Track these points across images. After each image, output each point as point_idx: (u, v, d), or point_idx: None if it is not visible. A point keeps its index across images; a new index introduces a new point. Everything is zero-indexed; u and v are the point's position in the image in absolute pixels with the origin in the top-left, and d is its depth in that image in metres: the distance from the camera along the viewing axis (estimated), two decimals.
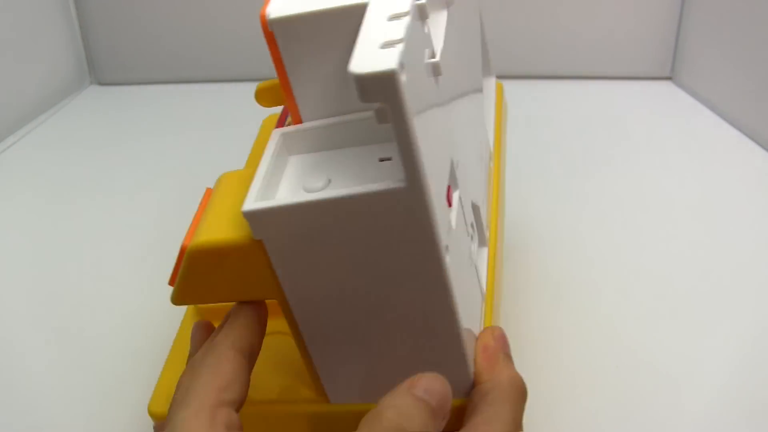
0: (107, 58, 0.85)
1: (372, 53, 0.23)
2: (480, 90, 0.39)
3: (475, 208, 0.33)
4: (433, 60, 0.27)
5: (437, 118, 0.27)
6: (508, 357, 0.30)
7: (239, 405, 0.26)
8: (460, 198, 0.29)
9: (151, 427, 0.34)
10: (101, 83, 0.87)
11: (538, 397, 0.41)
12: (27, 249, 0.59)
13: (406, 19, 0.24)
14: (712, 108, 0.70)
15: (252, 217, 0.26)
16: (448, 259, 0.26)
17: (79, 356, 0.47)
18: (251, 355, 0.28)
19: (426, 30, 0.27)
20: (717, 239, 0.52)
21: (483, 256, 0.35)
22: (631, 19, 0.74)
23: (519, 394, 0.28)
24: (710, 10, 0.70)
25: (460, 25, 0.34)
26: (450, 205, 0.28)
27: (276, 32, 0.28)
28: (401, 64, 0.22)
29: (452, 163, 0.29)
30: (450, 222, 0.27)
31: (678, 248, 0.51)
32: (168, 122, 0.77)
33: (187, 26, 0.81)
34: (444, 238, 0.26)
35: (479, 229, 0.34)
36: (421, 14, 0.26)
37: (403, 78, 0.22)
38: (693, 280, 0.49)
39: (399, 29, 0.24)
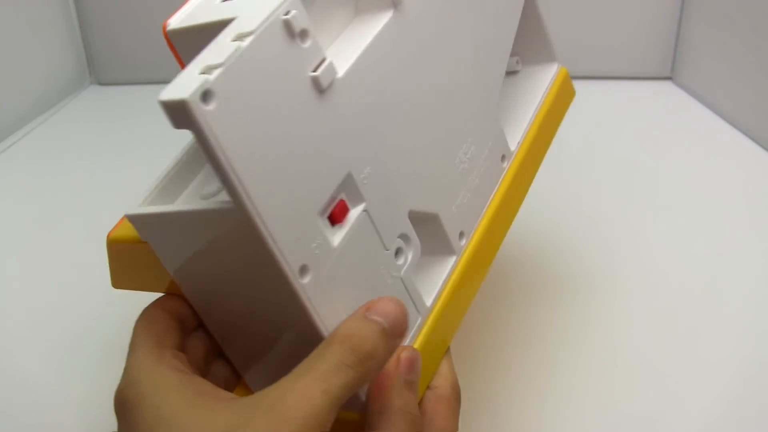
0: (107, 58, 0.85)
1: (187, 78, 0.23)
2: (492, 82, 0.38)
3: (430, 217, 0.33)
4: (314, 74, 0.27)
5: (310, 132, 0.27)
6: (408, 385, 0.28)
7: (180, 349, 0.30)
8: (367, 211, 0.30)
9: None
10: (101, 83, 0.87)
11: (537, 396, 0.41)
12: (27, 248, 0.59)
13: (236, 44, 0.24)
14: (712, 108, 0.70)
15: (132, 220, 0.29)
16: (308, 280, 0.26)
17: (81, 356, 0.47)
18: (180, 318, 0.31)
19: (306, 44, 0.27)
20: (717, 239, 0.52)
21: (440, 267, 0.34)
22: (631, 19, 0.74)
23: (407, 426, 0.27)
24: (710, 10, 0.70)
25: (438, 19, 0.34)
26: (338, 221, 0.28)
27: (174, 41, 0.30)
28: (204, 93, 0.23)
29: (348, 177, 0.29)
30: (325, 240, 0.27)
31: (678, 248, 0.51)
32: (168, 122, 0.76)
33: None
34: (295, 258, 0.26)
35: (438, 238, 0.34)
36: (289, 31, 0.26)
37: (208, 107, 0.23)
38: (693, 280, 0.48)
39: (223, 52, 0.24)
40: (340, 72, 0.29)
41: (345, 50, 0.30)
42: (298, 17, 0.27)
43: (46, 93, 0.81)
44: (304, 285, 0.27)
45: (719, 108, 0.69)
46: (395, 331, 0.27)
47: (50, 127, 0.78)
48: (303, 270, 0.27)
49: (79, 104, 0.83)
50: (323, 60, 0.28)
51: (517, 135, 0.40)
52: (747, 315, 0.46)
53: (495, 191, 0.38)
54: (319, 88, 0.27)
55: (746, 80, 0.65)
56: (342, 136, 0.29)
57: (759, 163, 0.61)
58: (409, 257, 0.32)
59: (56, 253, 0.58)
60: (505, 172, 0.38)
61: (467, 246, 0.35)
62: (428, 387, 0.31)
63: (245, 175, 0.24)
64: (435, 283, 0.34)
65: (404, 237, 0.32)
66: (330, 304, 0.28)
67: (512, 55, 0.40)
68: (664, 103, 0.72)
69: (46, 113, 0.80)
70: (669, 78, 0.76)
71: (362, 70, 0.29)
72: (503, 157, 0.38)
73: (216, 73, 0.23)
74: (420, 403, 0.30)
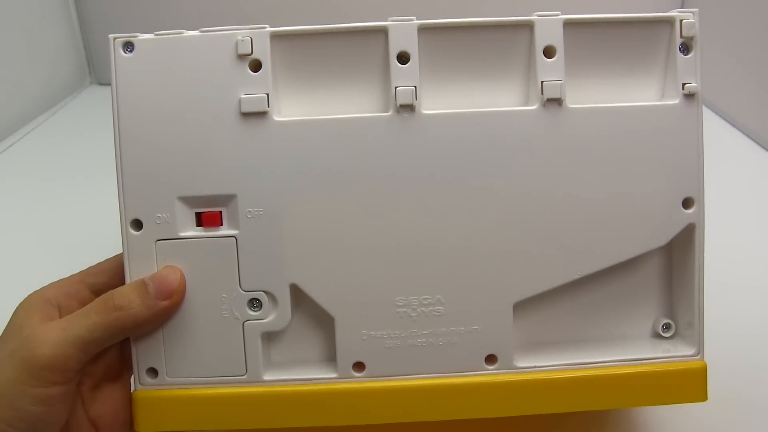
0: (107, 58, 0.85)
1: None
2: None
3: (327, 318, 0.33)
4: (243, 96, 0.33)
5: (212, 136, 0.33)
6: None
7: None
8: (236, 240, 0.33)
9: None
10: (101, 83, 0.87)
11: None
12: (27, 248, 0.59)
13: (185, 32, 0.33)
14: (712, 108, 0.69)
15: None
16: (137, 234, 0.33)
17: None
18: (59, 305, 0.33)
19: (255, 72, 0.33)
20: (717, 238, 0.52)
21: (312, 369, 0.34)
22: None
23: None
24: (710, 11, 0.69)
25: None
26: (204, 224, 0.33)
27: None
28: (127, 43, 0.33)
29: (233, 199, 0.33)
30: (172, 218, 0.33)
31: None
32: None
33: (187, 27, 0.80)
34: (132, 211, 0.33)
35: (329, 345, 0.34)
36: (237, 52, 0.33)
37: (126, 54, 0.33)
38: None
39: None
40: (281, 117, 0.33)
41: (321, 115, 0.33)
42: (247, 45, 0.32)
43: (46, 93, 0.81)
44: (131, 234, 0.33)
45: (719, 108, 0.69)
46: (159, 292, 0.32)
47: (50, 127, 0.78)
48: (136, 224, 0.33)
49: (79, 104, 0.83)
50: (266, 94, 0.32)
51: (546, 358, 0.34)
52: (748, 314, 0.46)
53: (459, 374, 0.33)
54: (241, 110, 0.32)
55: (746, 80, 0.65)
56: (248, 164, 0.32)
57: (759, 163, 0.61)
58: (267, 317, 0.33)
59: (56, 253, 0.58)
60: (484, 372, 0.33)
61: (366, 381, 0.33)
62: None
63: (125, 119, 0.32)
64: (292, 372, 0.33)
65: (272, 298, 0.33)
66: (148, 267, 0.33)
67: (665, 317, 0.36)
68: None
69: (46, 113, 0.80)
70: None
71: (310, 132, 0.32)
72: (491, 358, 0.34)
73: (146, 36, 0.32)
74: None
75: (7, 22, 0.74)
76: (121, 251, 0.33)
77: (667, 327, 0.35)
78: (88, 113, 0.81)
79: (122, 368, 0.35)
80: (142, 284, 0.32)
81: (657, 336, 0.35)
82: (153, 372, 0.33)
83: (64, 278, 0.35)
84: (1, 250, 0.59)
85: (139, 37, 0.33)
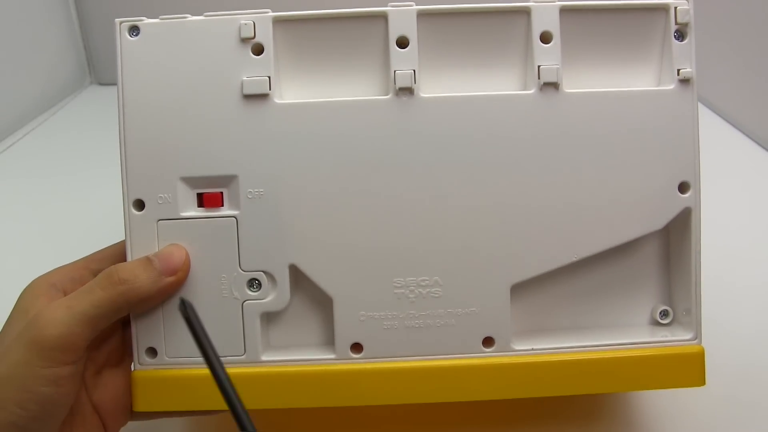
0: (107, 58, 0.85)
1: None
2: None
3: (325, 297, 0.34)
4: (245, 78, 0.33)
5: (217, 118, 0.33)
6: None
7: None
8: (236, 220, 0.33)
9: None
10: (101, 83, 0.87)
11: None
12: (27, 248, 0.59)
13: (188, 16, 0.34)
14: (712, 108, 0.70)
15: None
16: (140, 213, 0.33)
17: None
18: (64, 290, 0.33)
19: (257, 56, 0.33)
20: (717, 238, 0.52)
21: (310, 351, 0.34)
22: None
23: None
24: (710, 11, 0.70)
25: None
26: (205, 205, 0.33)
27: None
28: (132, 28, 0.33)
29: (234, 179, 0.33)
30: (174, 198, 0.33)
31: None
32: None
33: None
34: (135, 191, 0.34)
35: (328, 327, 0.34)
36: (240, 36, 0.33)
37: (131, 38, 0.34)
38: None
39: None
40: (282, 100, 0.33)
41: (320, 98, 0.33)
42: (250, 29, 0.33)
43: (46, 93, 0.81)
44: (133, 215, 0.33)
45: (719, 108, 0.69)
46: (164, 268, 0.32)
47: (50, 127, 0.78)
48: (139, 204, 0.33)
49: (79, 104, 0.83)
50: (267, 77, 0.33)
51: (548, 341, 0.34)
52: (748, 314, 0.46)
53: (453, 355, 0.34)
54: (243, 92, 0.33)
55: (746, 80, 0.65)
56: (249, 145, 0.33)
57: (759, 163, 0.61)
58: (267, 298, 0.33)
59: (56, 253, 0.58)
60: (482, 355, 0.34)
61: (364, 362, 0.33)
62: None
63: (130, 101, 0.33)
64: (291, 354, 0.34)
65: (271, 278, 0.33)
66: (150, 247, 0.33)
67: (663, 304, 0.36)
68: None
69: (46, 113, 0.80)
70: None
71: (310, 115, 0.33)
72: (489, 340, 0.34)
73: (151, 21, 0.33)
74: None
75: (7, 22, 0.75)
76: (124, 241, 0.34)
77: (665, 314, 0.35)
78: (88, 113, 0.82)
79: (124, 354, 0.35)
80: (147, 260, 0.32)
81: (655, 323, 0.36)
82: (152, 352, 0.33)
83: (68, 264, 0.35)
84: (1, 250, 0.59)
85: (145, 21, 0.33)
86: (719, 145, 0.64)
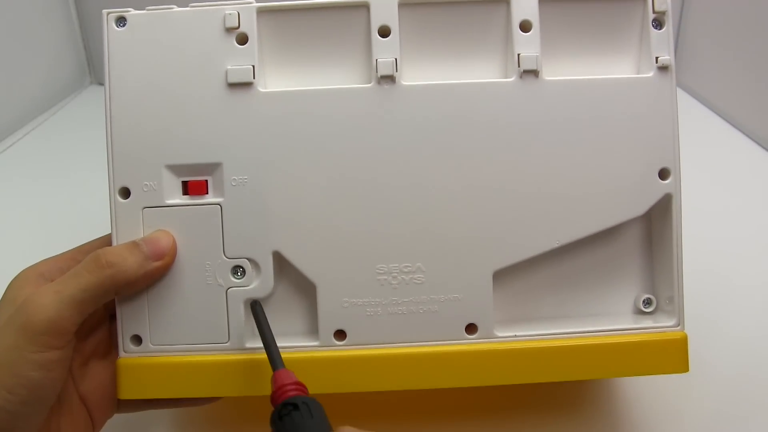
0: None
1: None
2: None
3: (309, 284, 0.34)
4: (229, 68, 0.34)
5: (201, 106, 0.34)
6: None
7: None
8: (221, 207, 0.33)
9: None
10: (101, 83, 0.87)
11: (538, 389, 0.41)
12: (28, 249, 0.59)
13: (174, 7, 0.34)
14: (712, 108, 0.70)
15: None
16: (125, 201, 0.34)
17: None
18: (52, 278, 0.34)
19: (242, 45, 0.34)
20: (716, 238, 0.52)
21: (294, 339, 0.34)
22: None
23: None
24: (710, 10, 0.70)
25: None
26: (190, 193, 0.34)
27: None
28: (119, 18, 0.34)
29: (218, 167, 0.33)
30: (159, 186, 0.34)
31: None
32: None
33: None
34: (121, 179, 0.34)
35: (311, 316, 0.34)
36: (225, 25, 0.34)
37: (118, 29, 0.34)
38: (692, 280, 0.48)
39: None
40: (266, 88, 0.33)
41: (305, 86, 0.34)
42: (234, 19, 0.33)
43: (46, 93, 0.81)
44: (118, 202, 0.34)
45: (719, 108, 0.69)
46: (152, 252, 0.32)
47: (50, 127, 0.79)
48: (124, 192, 0.34)
49: (79, 104, 0.83)
50: (251, 66, 0.33)
51: (529, 328, 0.34)
52: (748, 314, 0.46)
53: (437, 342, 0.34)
54: (228, 81, 0.33)
55: (746, 80, 0.65)
56: (233, 133, 0.33)
57: (759, 163, 0.61)
58: (251, 284, 0.34)
59: (57, 252, 0.58)
60: (465, 341, 0.34)
61: (347, 349, 0.34)
62: None
63: (116, 90, 0.34)
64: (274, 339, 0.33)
65: (255, 265, 0.34)
66: (135, 235, 0.33)
67: (646, 292, 0.36)
68: None
69: (46, 113, 0.81)
70: None
71: (294, 103, 0.33)
72: (472, 327, 0.34)
73: (137, 11, 0.34)
74: None
75: (7, 22, 0.75)
76: None
77: (648, 302, 0.36)
78: (88, 113, 0.82)
79: (110, 346, 0.35)
80: (134, 244, 0.33)
81: (639, 312, 0.36)
82: (137, 339, 0.34)
83: (56, 255, 0.36)
84: (1, 250, 0.59)
85: (131, 12, 0.34)
86: (719, 145, 0.64)
